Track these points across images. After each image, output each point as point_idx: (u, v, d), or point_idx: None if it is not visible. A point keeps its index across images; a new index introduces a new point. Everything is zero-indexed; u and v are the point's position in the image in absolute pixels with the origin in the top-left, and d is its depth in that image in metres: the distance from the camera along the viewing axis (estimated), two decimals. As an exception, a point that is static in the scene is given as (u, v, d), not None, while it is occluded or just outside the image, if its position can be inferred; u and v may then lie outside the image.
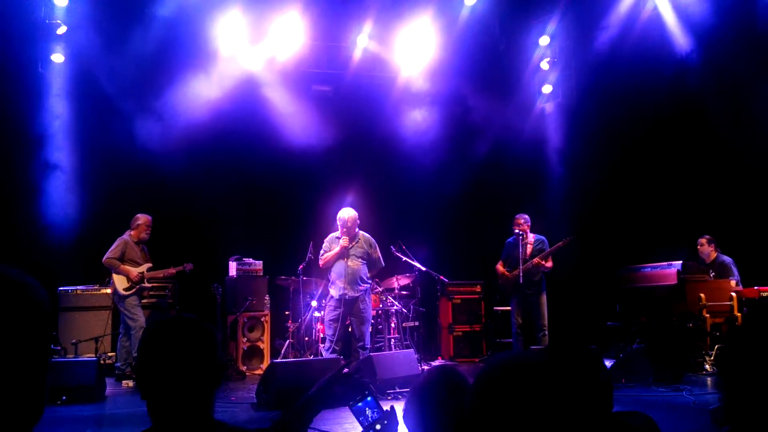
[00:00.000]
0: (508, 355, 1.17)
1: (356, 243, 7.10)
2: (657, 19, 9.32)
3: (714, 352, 7.08)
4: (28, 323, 1.05)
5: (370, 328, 7.52)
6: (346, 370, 2.01)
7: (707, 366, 6.96)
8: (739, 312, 7.23)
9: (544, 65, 10.45)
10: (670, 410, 5.00)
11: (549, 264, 7.76)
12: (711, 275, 7.72)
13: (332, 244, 7.12)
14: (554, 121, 10.58)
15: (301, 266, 7.99)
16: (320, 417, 1.93)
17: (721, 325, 7.41)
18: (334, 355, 6.78)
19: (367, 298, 7.19)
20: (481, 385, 1.11)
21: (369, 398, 1.96)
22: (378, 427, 1.91)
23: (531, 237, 7.95)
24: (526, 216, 8.06)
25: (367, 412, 1.95)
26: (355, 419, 1.96)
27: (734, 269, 7.99)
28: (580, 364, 1.71)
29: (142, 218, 7.74)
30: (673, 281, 7.34)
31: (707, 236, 8.26)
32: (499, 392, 1.07)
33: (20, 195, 8.52)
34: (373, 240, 7.30)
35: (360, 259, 7.08)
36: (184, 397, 1.58)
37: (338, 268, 6.99)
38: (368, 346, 7.12)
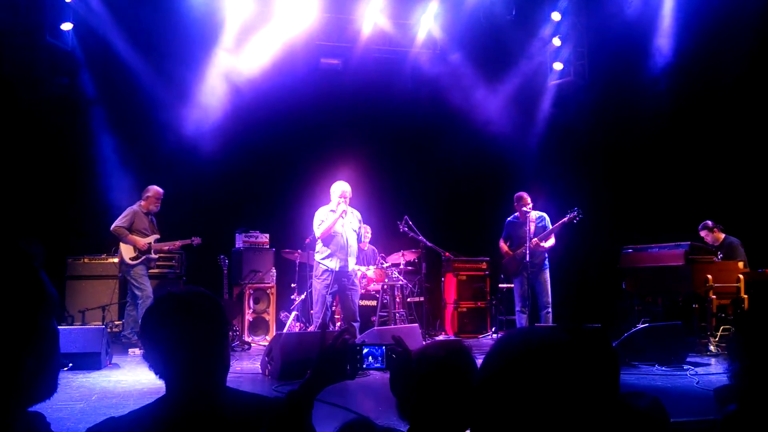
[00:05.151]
0: (523, 332, 1.14)
1: (351, 215, 7.06)
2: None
3: (719, 333, 7.07)
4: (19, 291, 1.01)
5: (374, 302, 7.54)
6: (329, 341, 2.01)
7: (712, 347, 6.96)
8: (746, 294, 7.21)
9: (556, 41, 10.30)
10: (674, 390, 5.01)
11: (552, 241, 7.73)
12: (719, 256, 7.68)
13: (327, 217, 7.02)
14: (564, 98, 10.46)
15: (307, 240, 7.98)
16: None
17: (726, 307, 7.39)
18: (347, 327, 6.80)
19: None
20: (498, 360, 1.09)
21: (365, 350, 1.97)
22: (393, 356, 1.95)
23: (533, 215, 7.90)
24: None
25: (371, 360, 1.98)
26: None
27: (741, 250, 7.96)
28: (595, 346, 1.70)
29: (152, 190, 7.76)
30: (681, 262, 7.30)
31: (708, 222, 8.19)
32: (515, 369, 1.05)
33: (29, 165, 8.53)
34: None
35: (354, 232, 7.06)
36: (195, 367, 1.58)
37: (338, 240, 6.92)
38: (359, 321, 7.11)
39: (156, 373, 1.61)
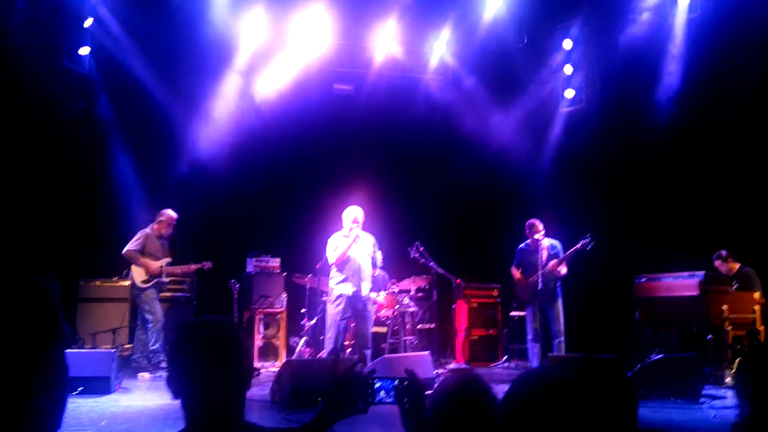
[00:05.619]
0: (540, 373, 1.14)
1: (364, 240, 7.07)
2: (681, 24, 9.19)
3: (735, 365, 6.95)
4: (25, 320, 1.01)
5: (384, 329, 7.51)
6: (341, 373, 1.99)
7: (728, 379, 6.84)
8: (762, 325, 7.10)
9: (568, 69, 10.34)
10: (690, 424, 4.91)
11: (564, 270, 7.67)
12: (734, 286, 7.59)
13: (340, 242, 7.04)
14: (575, 125, 10.46)
15: (318, 264, 7.99)
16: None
17: (742, 338, 7.28)
18: (354, 357, 6.76)
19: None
20: (516, 404, 1.08)
21: (377, 384, 1.95)
22: (405, 398, 1.93)
23: (546, 242, 7.86)
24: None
25: (382, 394, 1.96)
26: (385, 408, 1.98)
27: (758, 280, 7.86)
28: (613, 386, 1.67)
29: (166, 215, 7.80)
30: (695, 292, 7.21)
31: (723, 252, 8.10)
32: (533, 413, 1.04)
33: (43, 188, 8.60)
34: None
35: (368, 257, 7.06)
36: (217, 399, 1.58)
37: (351, 265, 6.93)
38: (371, 347, 7.09)
39: (176, 398, 1.61)
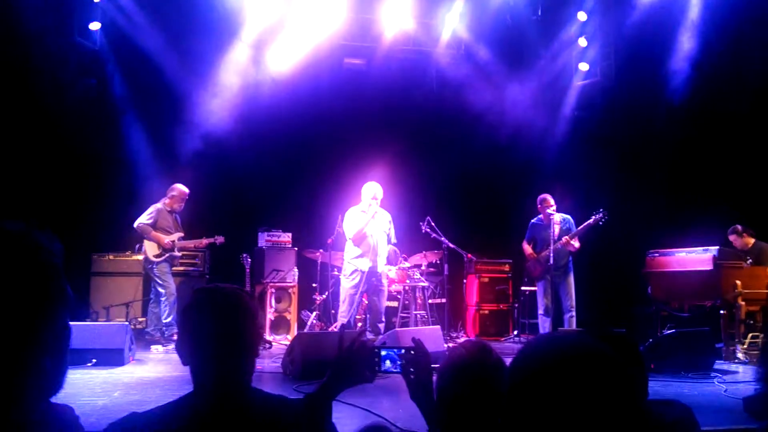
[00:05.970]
0: (550, 338, 1.12)
1: (381, 217, 7.09)
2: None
3: (747, 341, 6.92)
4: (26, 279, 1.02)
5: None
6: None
7: (740, 354, 6.81)
8: (776, 301, 7.05)
9: (582, 42, 10.16)
10: (701, 398, 4.90)
11: (576, 244, 7.62)
12: (748, 262, 7.52)
13: (358, 217, 7.07)
14: (590, 99, 10.32)
15: (329, 239, 8.01)
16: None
17: (755, 314, 7.24)
18: (365, 328, 6.84)
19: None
20: (525, 367, 1.07)
21: (383, 353, 1.96)
22: (410, 366, 1.94)
23: (558, 217, 7.81)
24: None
25: (388, 363, 1.96)
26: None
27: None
28: (623, 351, 1.66)
29: (177, 189, 7.82)
30: (709, 267, 7.14)
31: (738, 227, 8.01)
32: (543, 376, 1.02)
33: (56, 163, 8.64)
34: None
35: (384, 234, 7.10)
36: (224, 364, 1.59)
37: (368, 241, 6.97)
38: (384, 321, 7.15)
39: (185, 364, 1.63)
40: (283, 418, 1.63)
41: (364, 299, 7.44)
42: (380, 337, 6.48)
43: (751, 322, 7.17)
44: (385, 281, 7.28)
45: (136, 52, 9.03)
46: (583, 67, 10.22)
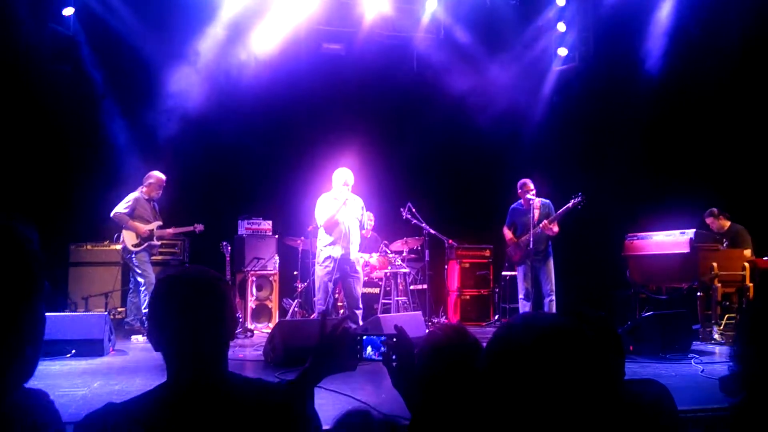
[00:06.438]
0: (526, 318, 1.12)
1: (353, 203, 7.03)
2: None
3: (723, 322, 7.04)
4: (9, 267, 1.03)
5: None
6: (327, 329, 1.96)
7: (716, 335, 6.94)
8: (751, 282, 7.16)
9: (561, 26, 10.16)
10: (678, 378, 4.98)
11: (555, 228, 7.67)
12: (725, 244, 7.63)
13: (329, 204, 7.00)
14: (569, 84, 10.35)
15: (310, 227, 7.98)
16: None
17: (731, 295, 7.36)
18: (348, 314, 6.82)
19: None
20: (501, 346, 1.07)
21: (364, 338, 1.94)
22: (392, 353, 1.91)
23: (537, 201, 7.85)
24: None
25: (370, 350, 1.94)
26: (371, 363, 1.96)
27: (748, 237, 7.90)
28: (599, 331, 1.67)
29: (154, 176, 7.72)
30: (686, 249, 7.24)
31: (714, 210, 8.12)
32: (519, 355, 1.03)
33: (32, 152, 8.49)
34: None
35: (356, 220, 7.05)
36: (198, 350, 1.56)
37: (340, 228, 6.91)
38: (361, 308, 7.13)
39: (157, 350, 1.60)
40: (261, 400, 1.61)
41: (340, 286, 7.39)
42: (362, 324, 6.48)
43: (727, 303, 7.30)
44: (359, 268, 7.23)
45: (111, 36, 8.86)
46: (562, 52, 10.24)
